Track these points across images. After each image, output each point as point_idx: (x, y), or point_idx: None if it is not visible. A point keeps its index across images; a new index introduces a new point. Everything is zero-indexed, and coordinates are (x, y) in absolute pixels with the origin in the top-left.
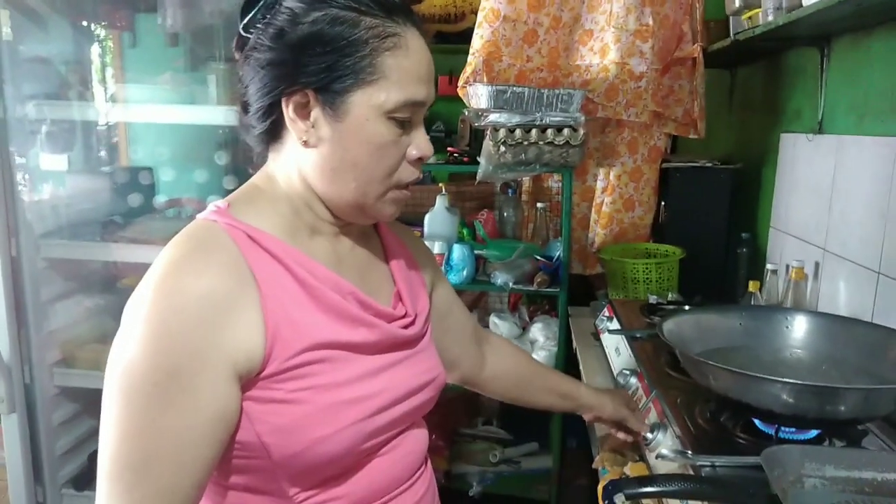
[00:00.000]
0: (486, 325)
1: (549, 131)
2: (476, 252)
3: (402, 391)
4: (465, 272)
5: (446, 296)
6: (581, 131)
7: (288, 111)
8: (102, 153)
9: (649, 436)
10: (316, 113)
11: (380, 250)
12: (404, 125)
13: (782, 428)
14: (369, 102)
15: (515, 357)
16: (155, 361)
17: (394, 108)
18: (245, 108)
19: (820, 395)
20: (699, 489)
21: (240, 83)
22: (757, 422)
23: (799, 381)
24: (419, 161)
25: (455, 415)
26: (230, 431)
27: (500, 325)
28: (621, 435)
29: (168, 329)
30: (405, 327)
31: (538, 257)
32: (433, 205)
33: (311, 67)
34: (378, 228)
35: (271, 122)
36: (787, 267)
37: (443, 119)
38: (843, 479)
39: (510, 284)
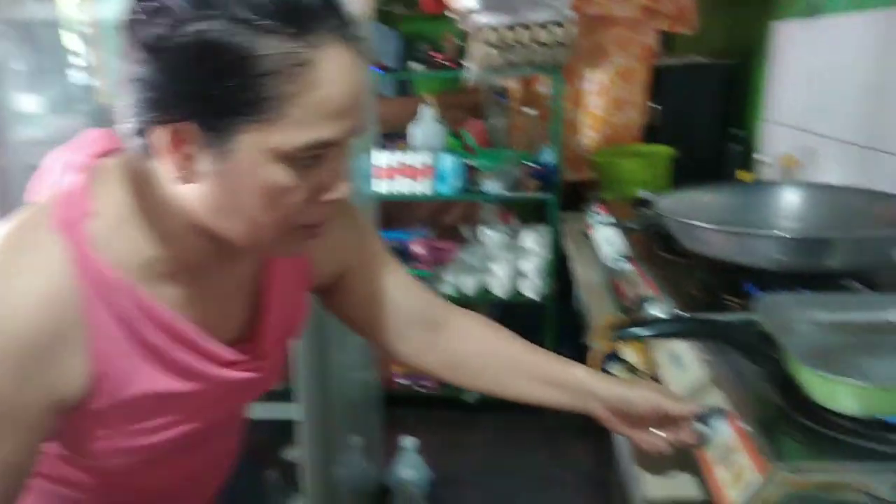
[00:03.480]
0: (477, 238)
1: (538, 30)
2: (465, 162)
3: (214, 421)
4: (454, 182)
5: (374, 281)
6: (570, 28)
7: (159, 141)
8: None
9: (706, 429)
10: (194, 148)
11: (259, 270)
12: (312, 165)
13: (773, 289)
14: (261, 145)
15: (482, 342)
16: None
17: (294, 151)
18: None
19: (810, 248)
20: (694, 328)
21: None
22: (749, 286)
23: (790, 235)
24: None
25: None
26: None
27: (491, 236)
28: (668, 437)
29: None
30: (247, 370)
31: (529, 163)
32: (418, 116)
33: (190, 94)
34: None
35: (143, 143)
36: (782, 159)
37: (428, 40)
38: (832, 322)
39: (501, 192)
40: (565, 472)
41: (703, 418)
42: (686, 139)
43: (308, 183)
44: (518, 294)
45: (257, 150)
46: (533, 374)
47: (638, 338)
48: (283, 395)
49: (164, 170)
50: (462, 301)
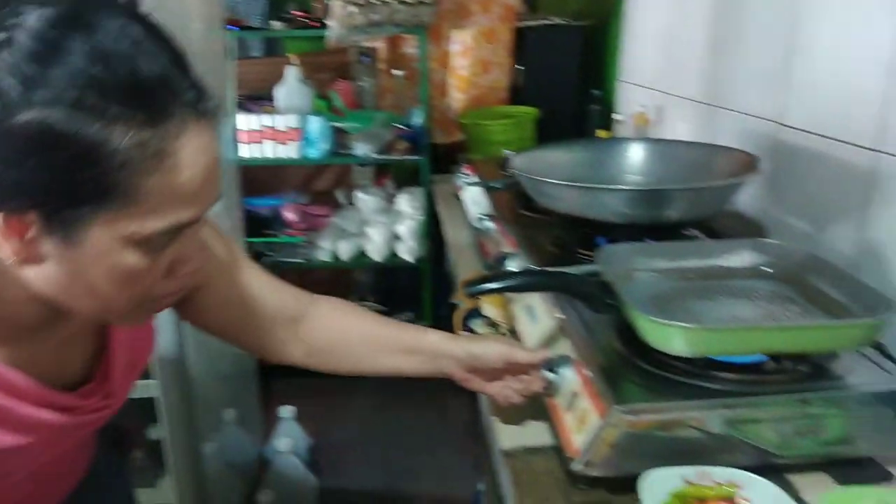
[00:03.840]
0: (352, 203)
1: None
2: (334, 124)
3: (62, 451)
4: (323, 145)
5: (232, 287)
6: None
7: None
8: None
9: (553, 376)
10: (36, 233)
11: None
12: (168, 243)
13: (620, 241)
14: (114, 233)
15: (340, 326)
16: None
17: (150, 237)
18: None
19: (653, 200)
20: (539, 281)
21: None
22: (599, 239)
23: (631, 187)
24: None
25: (328, 294)
26: None
27: (366, 200)
28: (516, 386)
29: None
30: (95, 409)
31: (398, 126)
32: (283, 77)
33: (28, 185)
34: None
35: None
36: (634, 116)
37: (297, 1)
38: (670, 269)
39: (371, 155)
40: (448, 430)
41: (551, 366)
42: (550, 100)
43: (164, 260)
44: (394, 257)
45: (109, 238)
46: (390, 346)
47: (484, 293)
48: (143, 374)
49: (1, 251)
50: (338, 266)
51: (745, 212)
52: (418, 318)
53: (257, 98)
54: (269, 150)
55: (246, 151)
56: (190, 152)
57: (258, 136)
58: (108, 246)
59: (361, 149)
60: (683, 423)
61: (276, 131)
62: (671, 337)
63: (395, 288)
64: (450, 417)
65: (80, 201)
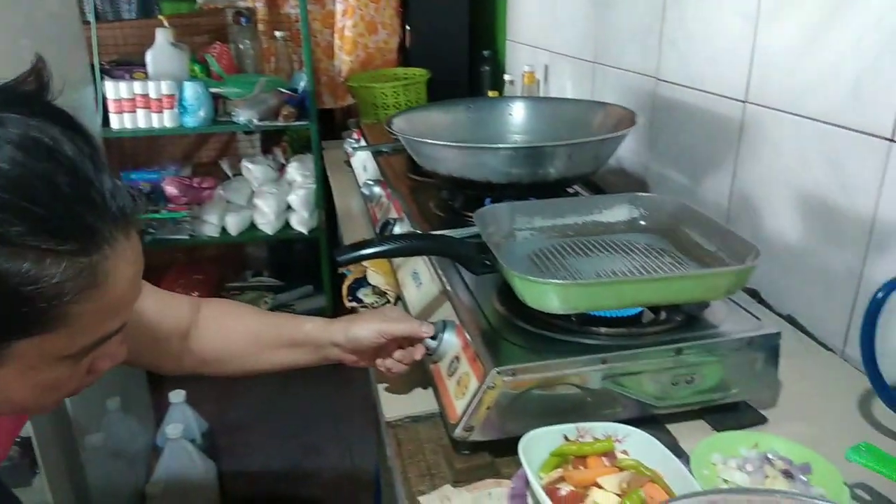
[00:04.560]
0: (239, 173)
1: None
2: (212, 90)
3: None
4: (201, 113)
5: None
6: None
7: None
8: None
9: (432, 343)
10: None
11: None
12: (93, 349)
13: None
14: (42, 353)
15: (225, 330)
16: None
17: (79, 352)
18: None
19: (534, 158)
20: (414, 246)
21: None
22: (486, 201)
23: (509, 145)
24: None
25: (220, 271)
26: None
27: (254, 170)
28: (396, 356)
29: None
30: None
31: (283, 90)
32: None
33: None
34: None
35: None
36: (523, 76)
37: None
38: (549, 227)
39: (254, 122)
40: (351, 403)
41: (434, 334)
42: (441, 61)
43: (87, 362)
44: (287, 229)
45: (36, 357)
46: (274, 342)
47: (352, 260)
48: None
49: None
50: (228, 241)
51: (628, 168)
52: (317, 292)
53: (127, 64)
54: (143, 120)
55: (117, 122)
56: (120, 271)
57: (130, 105)
58: (34, 363)
59: (243, 116)
60: (562, 380)
61: (149, 99)
62: (545, 295)
63: (291, 261)
64: (353, 390)
65: (8, 333)
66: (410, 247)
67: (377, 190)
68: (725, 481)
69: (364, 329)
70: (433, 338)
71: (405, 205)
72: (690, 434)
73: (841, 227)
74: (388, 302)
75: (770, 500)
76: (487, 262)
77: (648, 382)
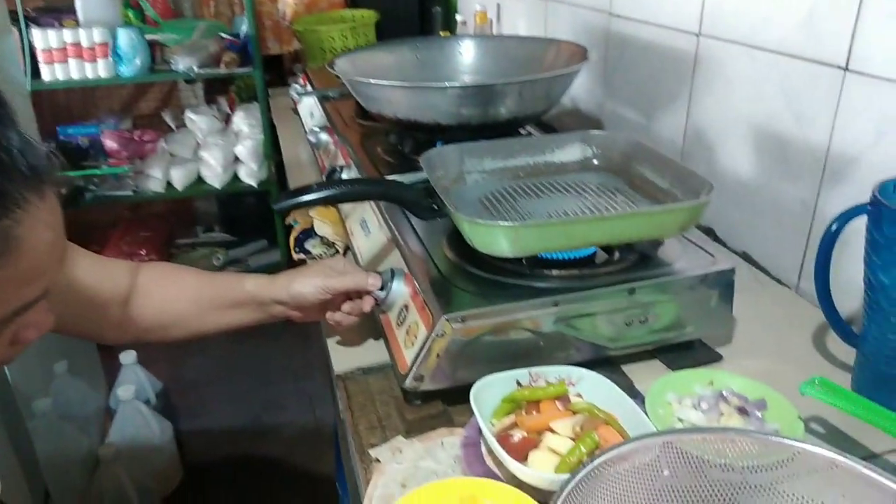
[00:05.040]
0: (183, 124)
1: None
2: (148, 37)
3: None
4: (137, 62)
5: (61, 290)
6: None
7: None
8: None
9: (380, 293)
10: None
11: None
12: (13, 319)
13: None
14: None
15: (167, 295)
16: None
17: None
18: None
19: (483, 97)
20: (356, 191)
21: None
22: (436, 144)
23: (457, 84)
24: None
25: (169, 228)
26: None
27: (198, 121)
28: (344, 309)
29: None
30: None
31: (224, 35)
32: None
33: None
34: None
35: None
36: (475, 15)
37: None
38: (500, 169)
39: (194, 69)
40: (310, 356)
41: (381, 284)
42: (390, 2)
43: (8, 334)
44: (236, 181)
45: None
46: (216, 304)
47: (289, 208)
48: None
49: None
50: (175, 196)
51: (583, 108)
52: (272, 246)
53: (56, 11)
54: (76, 71)
55: (48, 73)
56: (36, 236)
57: (61, 55)
58: None
59: (182, 63)
60: (514, 325)
61: (80, 48)
62: (494, 238)
63: (243, 215)
64: (311, 343)
65: None
66: (352, 192)
67: (324, 137)
68: (681, 420)
69: (307, 285)
70: (381, 288)
71: (352, 151)
72: (646, 374)
73: (795, 160)
74: (337, 252)
75: (724, 437)
76: (435, 207)
77: (602, 324)
